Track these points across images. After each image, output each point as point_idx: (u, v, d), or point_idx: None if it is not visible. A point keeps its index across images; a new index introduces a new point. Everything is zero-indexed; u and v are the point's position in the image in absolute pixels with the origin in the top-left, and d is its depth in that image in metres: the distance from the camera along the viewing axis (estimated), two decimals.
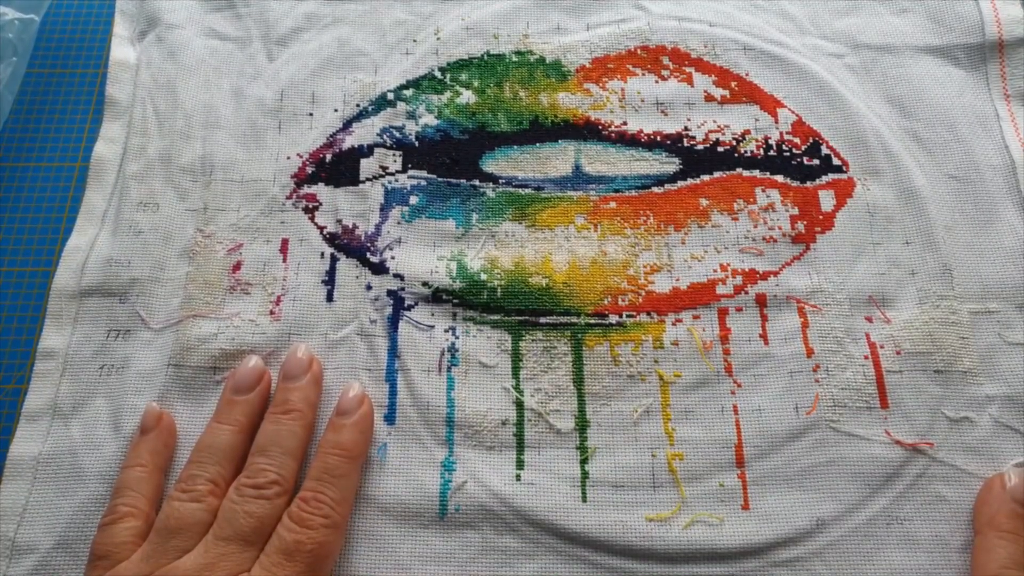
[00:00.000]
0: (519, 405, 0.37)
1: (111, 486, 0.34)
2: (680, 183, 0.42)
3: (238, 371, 0.36)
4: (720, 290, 0.39)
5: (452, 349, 0.38)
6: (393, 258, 0.40)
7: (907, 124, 0.43)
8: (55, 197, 0.43)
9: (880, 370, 0.37)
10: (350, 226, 0.41)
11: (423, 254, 0.40)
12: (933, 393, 0.37)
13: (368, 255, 0.40)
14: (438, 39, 0.45)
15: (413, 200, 0.41)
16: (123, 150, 0.43)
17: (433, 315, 0.39)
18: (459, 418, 0.36)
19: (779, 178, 0.42)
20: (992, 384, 0.37)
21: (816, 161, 0.42)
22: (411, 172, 0.42)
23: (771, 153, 0.42)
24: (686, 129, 0.43)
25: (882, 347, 0.38)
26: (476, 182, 0.42)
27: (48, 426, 0.36)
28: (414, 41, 0.46)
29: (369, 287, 0.39)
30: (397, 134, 0.43)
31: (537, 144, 0.43)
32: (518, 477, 0.35)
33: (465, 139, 0.43)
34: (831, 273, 0.39)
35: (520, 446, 0.36)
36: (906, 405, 0.36)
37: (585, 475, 0.35)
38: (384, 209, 0.41)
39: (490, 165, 0.42)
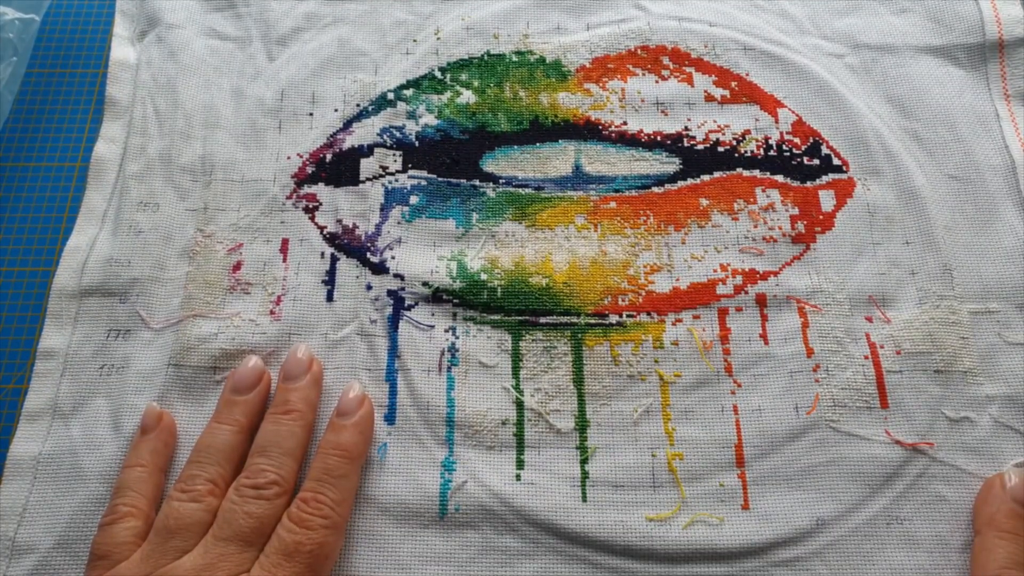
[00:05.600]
0: (519, 405, 0.37)
1: (111, 486, 0.35)
2: (680, 183, 0.42)
3: (238, 371, 0.36)
4: (720, 290, 0.39)
5: (452, 349, 0.38)
6: (393, 258, 0.40)
7: (907, 124, 0.43)
8: (55, 197, 0.43)
9: (880, 370, 0.37)
10: (350, 226, 0.41)
11: (423, 254, 0.40)
12: (933, 393, 0.37)
13: (368, 255, 0.40)
14: (438, 39, 0.45)
15: (413, 200, 0.41)
16: (123, 150, 0.43)
17: (433, 315, 0.39)
18: (459, 418, 0.36)
19: (779, 178, 0.42)
20: (992, 384, 0.37)
21: (816, 161, 0.42)
22: (411, 172, 0.42)
23: (771, 153, 0.42)
24: (686, 129, 0.43)
25: (882, 347, 0.38)
26: (476, 182, 0.42)
27: (48, 426, 0.36)
28: (414, 41, 0.46)
29: (369, 287, 0.39)
30: (397, 134, 0.43)
31: (537, 144, 0.43)
32: (518, 477, 0.35)
33: (465, 139, 0.43)
34: (831, 273, 0.39)
35: (520, 446, 0.36)
36: (906, 405, 0.36)
37: (585, 475, 0.35)
38: (384, 209, 0.41)
39: (490, 165, 0.42)
